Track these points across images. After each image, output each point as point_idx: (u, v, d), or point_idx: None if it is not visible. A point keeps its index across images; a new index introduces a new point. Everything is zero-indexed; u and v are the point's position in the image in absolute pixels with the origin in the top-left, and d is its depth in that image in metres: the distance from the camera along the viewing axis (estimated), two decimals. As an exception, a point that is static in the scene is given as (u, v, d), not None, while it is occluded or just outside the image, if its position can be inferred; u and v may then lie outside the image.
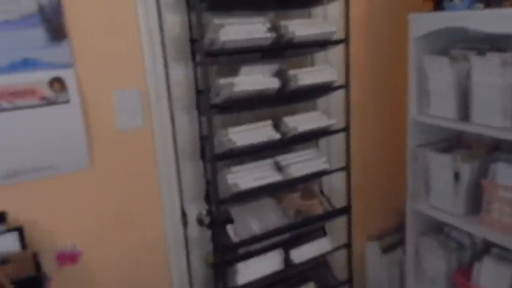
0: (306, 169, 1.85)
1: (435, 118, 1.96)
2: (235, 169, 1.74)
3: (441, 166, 1.98)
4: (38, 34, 1.40)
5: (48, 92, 1.44)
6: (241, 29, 1.56)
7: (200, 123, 1.78)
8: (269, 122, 1.75)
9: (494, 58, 1.69)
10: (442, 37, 1.95)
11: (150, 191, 1.77)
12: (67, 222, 1.61)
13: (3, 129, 1.40)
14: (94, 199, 1.65)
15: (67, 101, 1.48)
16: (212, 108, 1.61)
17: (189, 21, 1.68)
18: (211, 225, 1.89)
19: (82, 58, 1.52)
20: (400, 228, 2.42)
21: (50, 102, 1.45)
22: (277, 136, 1.73)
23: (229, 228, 1.82)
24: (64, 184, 1.58)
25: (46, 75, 1.43)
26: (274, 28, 1.65)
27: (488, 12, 1.67)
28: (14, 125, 1.41)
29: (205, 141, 1.78)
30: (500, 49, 1.80)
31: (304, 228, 1.93)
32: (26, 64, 1.39)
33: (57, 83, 1.45)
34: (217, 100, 1.63)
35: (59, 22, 1.42)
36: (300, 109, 1.97)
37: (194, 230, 1.93)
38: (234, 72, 1.67)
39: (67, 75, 1.46)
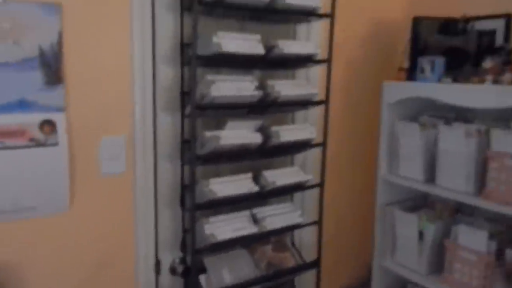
0: (281, 222, 1.90)
1: (404, 179, 2.08)
2: (212, 219, 1.76)
3: (407, 224, 2.09)
4: (36, 77, 1.42)
5: (37, 134, 1.44)
6: (231, 86, 1.64)
7: (182, 172, 1.81)
8: (249, 175, 1.81)
9: (459, 128, 1.85)
10: (412, 104, 2.12)
11: (125, 237, 1.76)
12: (39, 265, 1.57)
13: (-11, 168, 1.39)
14: (69, 243, 1.63)
15: (55, 144, 1.49)
16: (197, 159, 1.66)
17: (182, 75, 1.75)
18: (184, 274, 1.88)
19: (74, 103, 1.55)
20: (366, 282, 2.48)
21: (38, 144, 1.45)
22: (256, 188, 1.78)
23: (202, 278, 1.82)
24: (40, 227, 1.55)
25: (38, 117, 1.44)
26: (261, 86, 1.75)
27: (456, 86, 1.83)
28: (0, 164, 1.40)
29: (186, 190, 1.80)
30: (465, 119, 1.97)
31: (275, 281, 1.96)
32: (21, 105, 1.40)
33: (47, 125, 1.46)
34: (202, 151, 1.69)
35: (57, 67, 1.46)
36: (278, 163, 2.05)
37: (166, 278, 1.91)
38: (219, 125, 1.74)
39: (58, 118, 1.48)
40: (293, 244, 2.16)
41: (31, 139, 1.44)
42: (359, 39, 2.32)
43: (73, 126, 1.55)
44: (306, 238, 2.24)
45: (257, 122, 1.79)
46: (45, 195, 1.51)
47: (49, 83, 1.45)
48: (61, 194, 1.54)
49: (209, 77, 1.63)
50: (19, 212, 1.47)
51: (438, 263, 2.02)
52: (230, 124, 1.70)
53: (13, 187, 1.44)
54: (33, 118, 1.44)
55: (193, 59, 1.56)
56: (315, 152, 2.11)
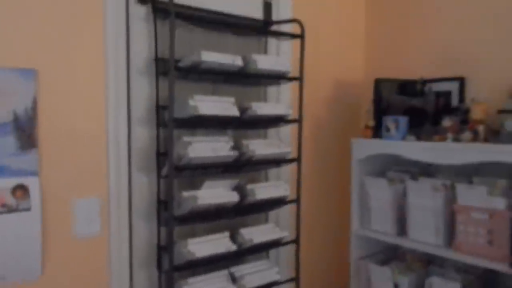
0: (259, 280, 1.88)
1: (376, 233, 2.13)
2: (191, 280, 1.73)
3: (382, 278, 2.11)
4: (9, 142, 1.41)
5: (10, 200, 1.41)
6: (207, 147, 1.67)
7: (159, 233, 1.79)
8: (227, 233, 1.80)
9: (426, 183, 1.93)
10: (379, 160, 2.21)
11: (98, 303, 1.69)
12: None
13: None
14: (39, 313, 1.55)
15: (28, 209, 1.45)
16: (174, 219, 1.65)
17: (157, 135, 1.77)
18: None
19: (49, 166, 1.53)
20: None
21: (10, 210, 1.41)
22: (234, 247, 1.78)
23: None
24: (8, 297, 1.48)
25: (11, 182, 1.41)
26: (236, 146, 1.79)
27: (420, 144, 1.93)
28: (-30, 233, 1.35)
29: (163, 251, 1.77)
30: (428, 174, 2.07)
31: None
32: (-7, 171, 1.37)
33: (20, 190, 1.43)
34: (179, 212, 1.68)
35: (31, 131, 1.45)
36: (253, 220, 2.06)
37: None
38: (194, 184, 1.75)
39: (31, 183, 1.45)
40: (269, 302, 2.13)
41: (3, 205, 1.40)
42: (326, 99, 2.43)
43: (46, 189, 1.52)
44: (283, 295, 2.22)
45: (232, 181, 1.81)
46: (16, 262, 1.44)
47: (23, 148, 1.44)
48: (33, 260, 1.48)
49: (186, 138, 1.66)
50: (-13, 282, 1.40)
51: (414, 316, 2.03)
52: (207, 183, 1.72)
53: (-18, 256, 1.38)
54: (5, 183, 1.40)
55: (170, 122, 1.59)
56: (289, 209, 2.14)
